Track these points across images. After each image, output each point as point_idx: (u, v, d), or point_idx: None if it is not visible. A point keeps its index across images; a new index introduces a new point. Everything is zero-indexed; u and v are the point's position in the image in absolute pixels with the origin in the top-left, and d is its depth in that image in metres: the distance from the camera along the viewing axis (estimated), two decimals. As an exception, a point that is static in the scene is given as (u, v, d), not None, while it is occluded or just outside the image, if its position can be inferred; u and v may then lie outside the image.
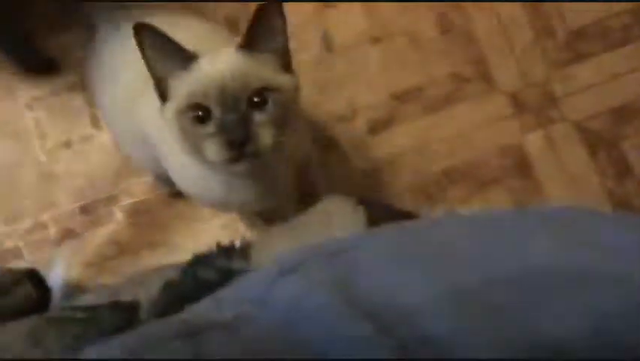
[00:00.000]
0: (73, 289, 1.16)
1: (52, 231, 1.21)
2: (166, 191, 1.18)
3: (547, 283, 0.44)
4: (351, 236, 0.60)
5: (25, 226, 1.21)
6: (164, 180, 0.95)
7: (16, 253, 1.20)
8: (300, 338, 0.42)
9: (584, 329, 0.41)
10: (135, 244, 1.20)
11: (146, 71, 0.70)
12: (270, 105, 0.69)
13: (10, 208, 1.22)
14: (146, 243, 1.20)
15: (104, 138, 1.22)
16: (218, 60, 0.70)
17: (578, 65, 1.23)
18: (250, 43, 0.70)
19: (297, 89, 0.75)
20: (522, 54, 1.24)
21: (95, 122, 1.22)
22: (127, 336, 0.45)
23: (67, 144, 1.23)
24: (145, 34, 0.67)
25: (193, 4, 1.15)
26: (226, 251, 0.64)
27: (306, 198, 1.03)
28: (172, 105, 0.70)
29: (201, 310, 0.45)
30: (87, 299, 0.68)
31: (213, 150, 0.68)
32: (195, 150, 0.71)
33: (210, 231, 1.20)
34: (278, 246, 0.66)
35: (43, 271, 1.02)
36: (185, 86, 0.69)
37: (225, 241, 0.69)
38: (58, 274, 1.17)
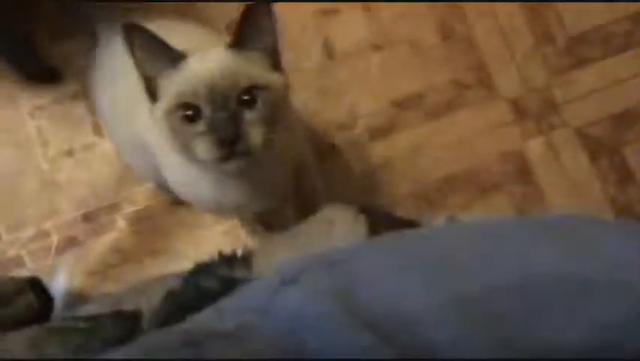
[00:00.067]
0: (76, 297, 1.16)
1: (55, 239, 1.21)
2: (168, 198, 1.19)
3: (548, 293, 0.44)
4: (352, 246, 0.60)
5: (27, 234, 1.21)
6: (166, 188, 0.95)
7: (19, 261, 1.20)
8: (301, 348, 0.42)
9: (584, 339, 0.41)
10: (138, 252, 1.20)
11: None
12: (259, 103, 0.69)
13: (12, 217, 1.22)
14: (149, 250, 1.20)
15: (106, 146, 1.22)
16: (208, 59, 0.70)
17: (579, 70, 1.24)
18: (239, 42, 0.70)
19: (286, 87, 0.74)
20: (523, 60, 1.24)
21: (98, 131, 1.23)
22: (129, 347, 0.45)
23: (70, 152, 1.24)
24: (134, 34, 0.67)
25: (195, 12, 1.16)
26: (228, 260, 0.64)
27: (305, 204, 1.03)
28: (162, 105, 0.70)
29: (203, 320, 0.45)
30: (89, 309, 0.68)
31: (204, 148, 0.68)
32: (186, 149, 0.71)
33: (212, 238, 1.20)
34: (280, 255, 0.66)
35: (45, 280, 1.02)
36: (174, 85, 0.69)
37: (227, 248, 0.69)
38: (60, 282, 1.17)
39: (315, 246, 0.65)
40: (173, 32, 0.74)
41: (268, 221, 1.13)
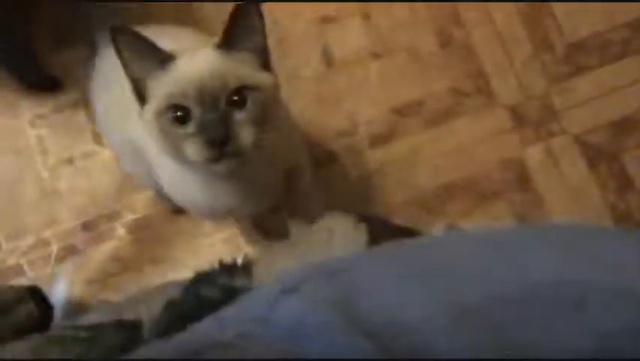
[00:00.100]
0: (76, 306, 1.16)
1: (55, 248, 1.21)
2: (167, 207, 1.19)
3: (547, 301, 0.45)
4: (352, 255, 0.60)
5: (27, 242, 1.21)
6: (165, 196, 0.95)
7: (18, 270, 1.20)
8: (301, 357, 0.42)
9: (585, 348, 0.41)
10: (137, 260, 1.20)
11: None
12: (249, 104, 0.69)
13: (12, 225, 1.22)
14: (149, 259, 1.20)
15: (106, 154, 1.23)
16: (196, 60, 0.69)
17: (578, 78, 1.24)
18: (228, 43, 0.70)
19: (276, 87, 0.74)
20: (521, 68, 1.25)
21: (98, 139, 1.23)
22: (129, 357, 0.45)
23: (70, 161, 1.24)
24: (121, 36, 0.67)
25: (192, 11, 1.16)
26: (228, 269, 0.64)
27: (295, 206, 1.02)
28: (151, 107, 0.70)
29: (203, 329, 0.45)
30: (90, 318, 0.68)
31: (194, 149, 0.68)
32: (176, 151, 0.70)
33: (212, 246, 1.20)
34: (280, 264, 0.66)
35: (45, 289, 1.02)
36: (163, 86, 0.69)
37: (227, 257, 0.69)
38: (60, 291, 1.17)
39: (315, 255, 0.65)
40: (169, 38, 0.74)
41: (266, 228, 1.13)
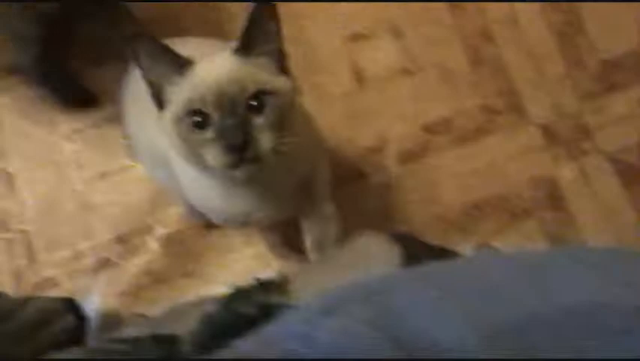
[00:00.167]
0: (109, 318, 1.18)
1: (90, 260, 1.23)
2: (198, 222, 1.20)
3: (582, 325, 0.44)
4: (388, 276, 0.60)
5: (63, 254, 1.24)
6: (196, 212, 0.95)
7: (55, 281, 1.22)
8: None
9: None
10: (169, 274, 1.21)
11: None
12: (267, 109, 0.68)
13: (48, 237, 1.25)
14: (180, 273, 1.21)
15: (139, 169, 1.25)
16: (214, 65, 0.69)
17: (611, 96, 1.23)
18: (245, 47, 0.70)
19: (294, 91, 0.73)
20: (553, 85, 1.24)
21: (131, 154, 1.26)
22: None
23: (105, 175, 1.27)
24: (139, 43, 0.67)
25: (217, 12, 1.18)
26: (264, 286, 0.65)
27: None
28: (170, 112, 0.70)
29: (248, 348, 0.46)
30: (128, 332, 0.69)
31: (213, 155, 0.68)
32: (194, 156, 0.70)
33: (242, 261, 1.21)
34: (316, 282, 0.66)
35: (78, 301, 1.04)
36: (182, 92, 0.69)
37: (257, 272, 0.69)
38: (93, 303, 1.19)
39: (350, 274, 0.65)
40: (194, 50, 0.74)
41: (291, 242, 1.13)
